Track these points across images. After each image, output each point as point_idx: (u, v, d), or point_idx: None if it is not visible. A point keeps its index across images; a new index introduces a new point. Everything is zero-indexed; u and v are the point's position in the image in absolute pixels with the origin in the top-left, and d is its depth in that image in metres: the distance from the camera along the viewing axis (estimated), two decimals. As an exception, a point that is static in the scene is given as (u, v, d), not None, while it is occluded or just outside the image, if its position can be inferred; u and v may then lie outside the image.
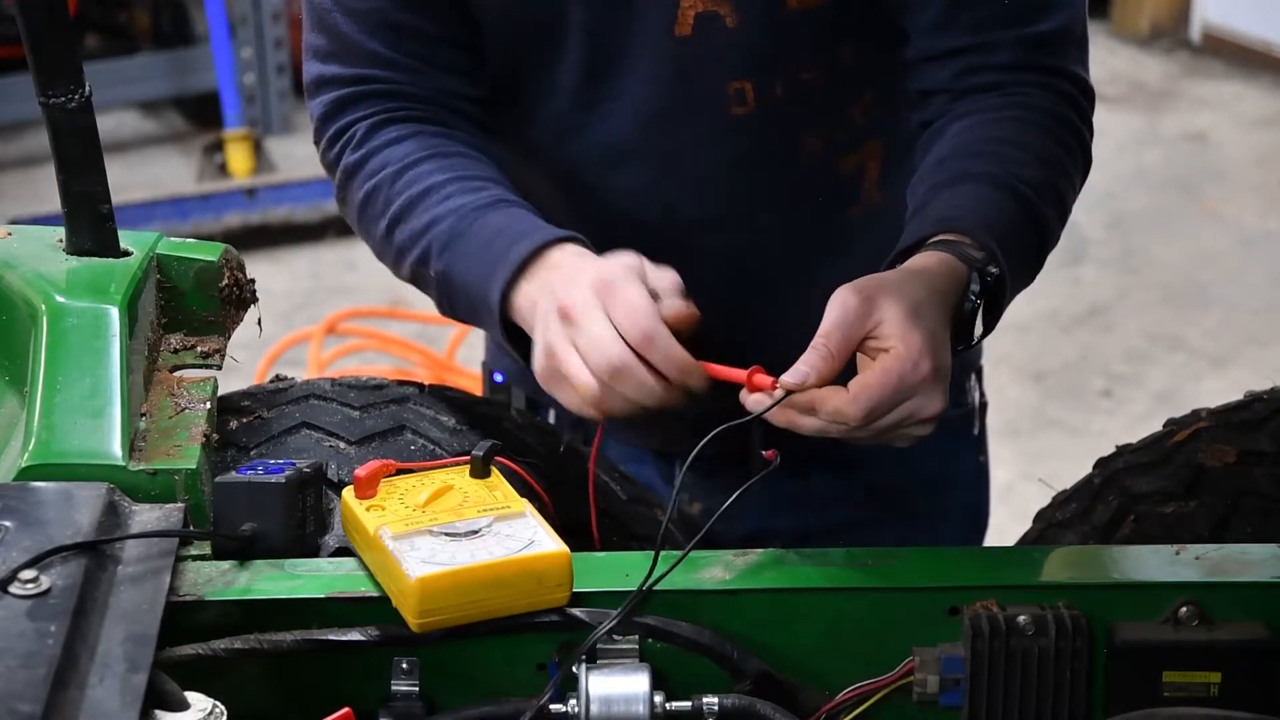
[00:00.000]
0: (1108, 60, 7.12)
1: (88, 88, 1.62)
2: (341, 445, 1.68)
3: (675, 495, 1.58)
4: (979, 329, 1.64)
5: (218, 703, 1.31)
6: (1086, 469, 1.93)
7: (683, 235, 1.92)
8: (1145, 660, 1.47)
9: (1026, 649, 1.45)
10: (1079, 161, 1.78)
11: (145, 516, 1.49)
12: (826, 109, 1.88)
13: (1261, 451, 1.81)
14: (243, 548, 1.49)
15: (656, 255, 1.94)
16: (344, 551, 1.54)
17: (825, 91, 1.86)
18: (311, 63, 1.83)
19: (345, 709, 1.36)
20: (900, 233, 2.00)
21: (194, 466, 1.53)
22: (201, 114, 6.38)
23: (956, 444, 2.16)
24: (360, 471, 1.50)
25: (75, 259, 1.69)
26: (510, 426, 1.82)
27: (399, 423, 1.74)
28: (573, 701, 1.43)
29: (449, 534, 1.44)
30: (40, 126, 1.63)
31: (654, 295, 1.61)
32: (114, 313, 1.61)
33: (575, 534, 1.66)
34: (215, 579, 1.46)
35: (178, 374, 1.70)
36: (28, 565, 1.30)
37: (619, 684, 1.43)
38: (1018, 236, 1.68)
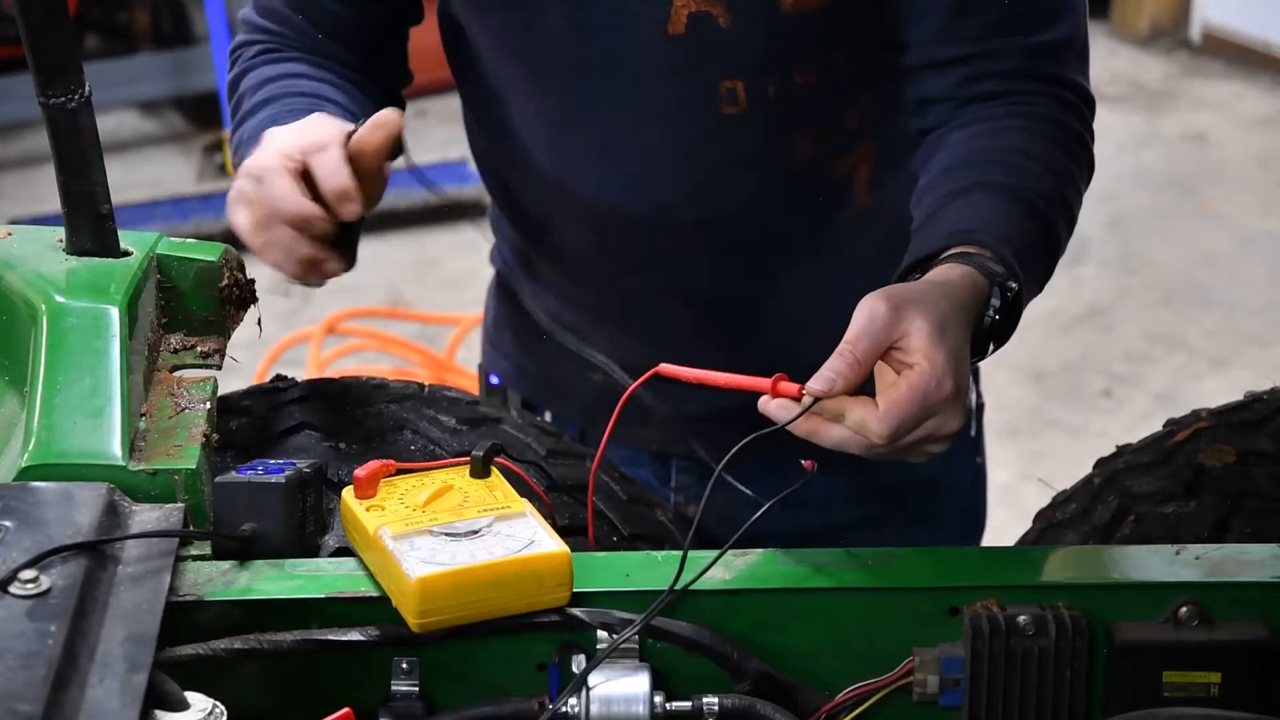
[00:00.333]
0: (1108, 60, 7.13)
1: (88, 88, 1.62)
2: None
3: (706, 495, 1.55)
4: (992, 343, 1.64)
5: (218, 703, 1.31)
6: (1086, 469, 1.93)
7: (673, 233, 1.93)
8: (1145, 660, 1.47)
9: (1026, 649, 1.45)
10: (1084, 170, 1.78)
11: (145, 516, 1.49)
12: (820, 112, 1.88)
13: (1261, 451, 1.81)
14: (243, 548, 1.49)
15: (648, 253, 1.95)
16: (344, 551, 1.54)
17: (819, 94, 1.86)
18: (247, 7, 1.96)
19: (345, 709, 1.36)
20: (892, 236, 2.01)
21: (194, 466, 1.53)
22: (201, 114, 6.39)
23: (954, 445, 2.17)
24: (360, 471, 1.50)
25: (75, 259, 1.69)
26: (510, 426, 1.82)
27: (399, 423, 1.74)
28: (573, 701, 1.43)
29: (449, 534, 1.44)
30: (40, 126, 1.63)
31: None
32: (114, 313, 1.61)
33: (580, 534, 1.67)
34: (215, 579, 1.46)
35: (178, 374, 1.70)
36: (28, 565, 1.30)
37: (619, 684, 1.43)
38: (1032, 249, 1.67)
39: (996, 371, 4.68)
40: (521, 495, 1.52)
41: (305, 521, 1.55)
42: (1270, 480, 1.77)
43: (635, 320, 2.05)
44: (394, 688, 1.46)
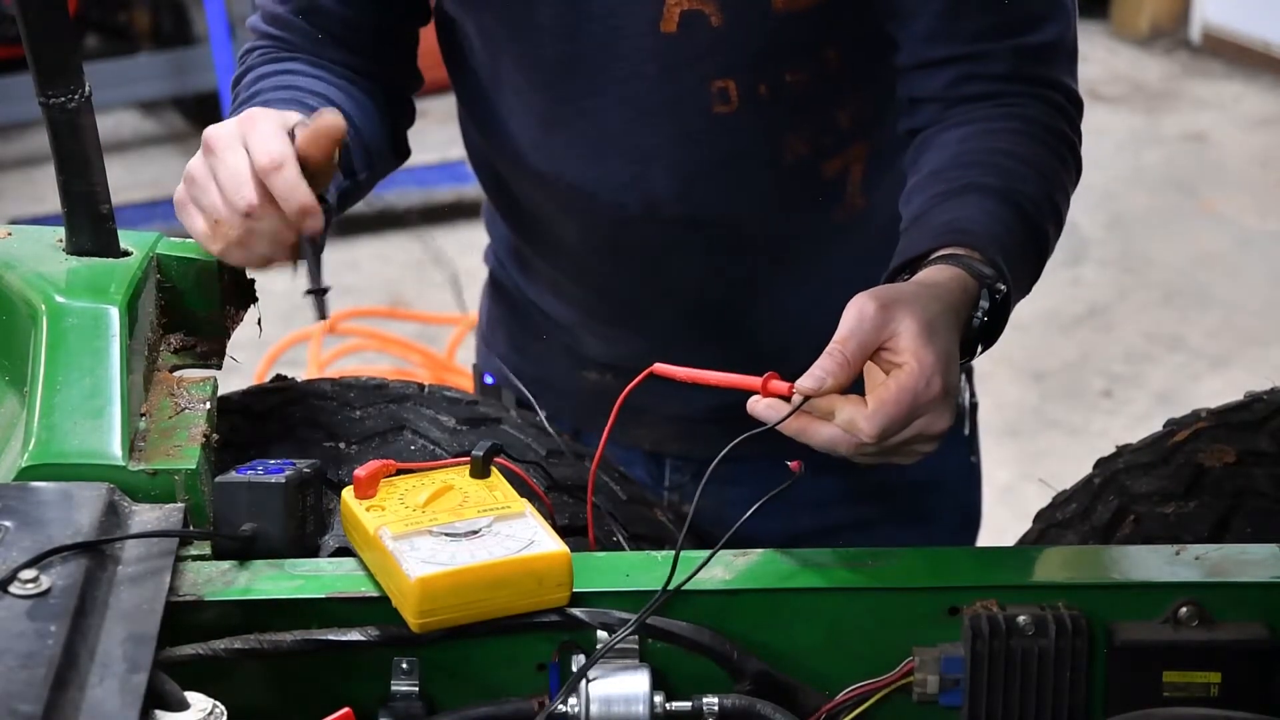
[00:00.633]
0: (1108, 60, 7.13)
1: (88, 88, 1.62)
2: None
3: (697, 496, 1.55)
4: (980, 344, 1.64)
5: (218, 703, 1.31)
6: (1086, 469, 1.93)
7: (664, 231, 1.93)
8: (1145, 660, 1.47)
9: (1026, 649, 1.45)
10: (1072, 173, 1.78)
11: (145, 516, 1.49)
12: (811, 112, 1.88)
13: (1261, 451, 1.81)
14: (243, 548, 1.49)
15: (639, 251, 1.95)
16: (344, 551, 1.54)
17: (810, 94, 1.86)
18: (255, 14, 1.95)
19: (345, 709, 1.36)
20: (883, 237, 2.00)
21: (194, 466, 1.53)
22: (201, 114, 6.38)
23: (946, 444, 2.17)
24: (360, 471, 1.50)
25: (75, 259, 1.69)
26: (510, 426, 1.82)
27: (399, 423, 1.74)
28: (573, 701, 1.43)
29: (449, 534, 1.44)
30: (40, 126, 1.63)
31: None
32: (114, 313, 1.61)
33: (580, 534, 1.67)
34: (215, 579, 1.46)
35: (178, 374, 1.70)
36: (28, 565, 1.30)
37: (619, 684, 1.43)
38: (1020, 251, 1.68)
39: (996, 371, 4.68)
40: (521, 495, 1.52)
41: (305, 521, 1.55)
42: (1270, 480, 1.77)
43: (626, 318, 2.05)
44: (394, 688, 1.46)
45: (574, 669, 1.45)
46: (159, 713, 1.27)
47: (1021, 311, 1.72)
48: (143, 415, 1.61)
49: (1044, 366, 4.87)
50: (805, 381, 1.48)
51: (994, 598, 1.47)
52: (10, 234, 1.74)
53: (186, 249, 1.74)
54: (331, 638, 1.42)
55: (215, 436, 1.61)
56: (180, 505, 1.51)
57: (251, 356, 4.39)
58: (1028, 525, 1.93)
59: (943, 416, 1.50)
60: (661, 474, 2.17)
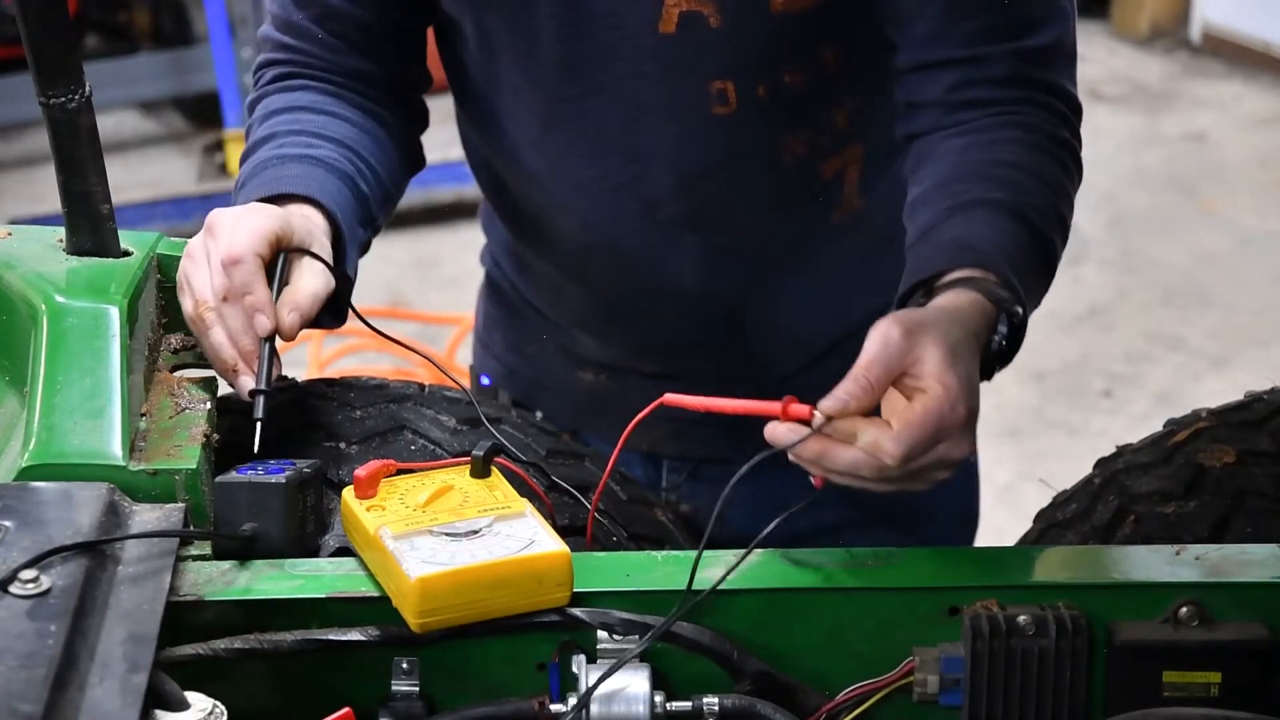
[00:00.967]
0: (1108, 60, 7.13)
1: (88, 88, 1.62)
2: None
3: (723, 499, 1.54)
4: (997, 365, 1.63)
5: (218, 703, 1.31)
6: (1086, 469, 1.93)
7: (662, 232, 1.93)
8: (1145, 660, 1.47)
9: (1026, 649, 1.45)
10: (1075, 181, 1.77)
11: (145, 516, 1.49)
12: (809, 112, 1.88)
13: (1261, 451, 1.81)
14: (243, 548, 1.49)
15: (637, 251, 1.95)
16: (344, 551, 1.54)
17: (808, 95, 1.86)
18: (266, 22, 1.95)
19: (345, 709, 1.36)
20: (881, 238, 2.01)
21: (194, 466, 1.53)
22: (201, 114, 6.39)
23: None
24: (360, 471, 1.50)
25: (75, 259, 1.69)
26: (510, 426, 1.82)
27: (399, 423, 1.74)
28: (573, 701, 1.43)
29: (449, 534, 1.44)
30: (40, 126, 1.63)
31: (288, 275, 1.66)
32: (114, 313, 1.61)
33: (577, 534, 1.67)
34: (215, 579, 1.46)
35: (178, 374, 1.70)
36: (28, 565, 1.30)
37: (619, 684, 1.43)
38: (1032, 268, 1.67)
39: (996, 371, 4.66)
40: (521, 495, 1.52)
41: (305, 521, 1.55)
42: (1270, 480, 1.77)
43: (624, 318, 2.05)
44: (394, 688, 1.46)
45: (574, 669, 1.45)
46: (159, 713, 1.27)
47: (1022, 311, 1.71)
48: (143, 415, 1.61)
49: (1044, 366, 4.87)
50: (828, 403, 1.46)
51: (994, 598, 1.47)
52: (10, 234, 1.74)
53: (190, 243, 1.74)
54: (331, 638, 1.42)
55: (215, 436, 1.61)
56: (180, 505, 1.51)
57: (251, 356, 4.39)
58: (1028, 525, 1.93)
59: (963, 443, 1.49)
60: (659, 474, 2.17)
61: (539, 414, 2.14)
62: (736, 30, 1.80)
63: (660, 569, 1.50)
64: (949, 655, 1.47)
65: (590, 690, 1.41)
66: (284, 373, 1.76)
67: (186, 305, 1.65)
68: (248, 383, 1.61)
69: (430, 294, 5.42)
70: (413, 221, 5.55)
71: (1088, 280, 5.46)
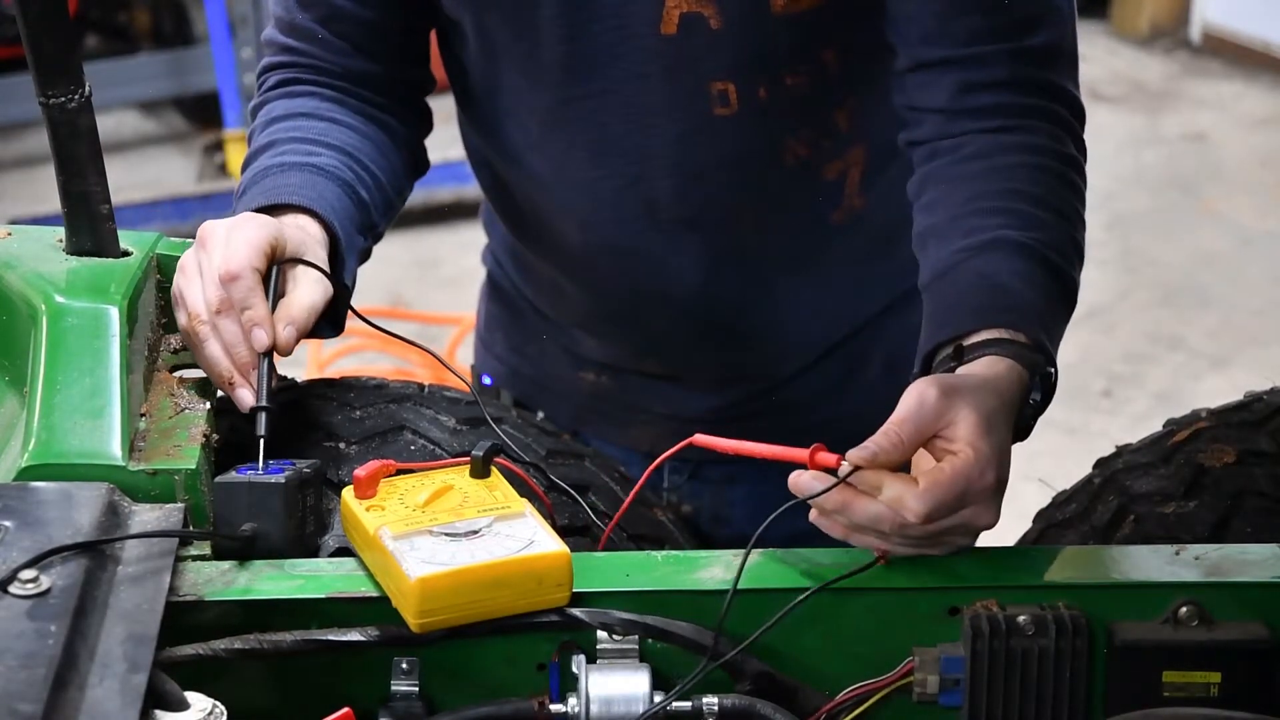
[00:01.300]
0: (1108, 60, 7.13)
1: (88, 88, 1.62)
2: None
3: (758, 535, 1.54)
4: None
5: (218, 703, 1.31)
6: (1086, 469, 1.93)
7: (663, 233, 1.93)
8: (1145, 660, 1.47)
9: (1026, 649, 1.45)
10: (1084, 196, 1.76)
11: (145, 516, 1.49)
12: (810, 115, 1.88)
13: (1261, 451, 1.81)
14: (243, 548, 1.49)
15: (637, 252, 1.95)
16: (344, 551, 1.54)
17: (809, 97, 1.86)
18: (270, 25, 1.95)
19: (345, 709, 1.36)
20: (880, 238, 2.01)
21: (194, 466, 1.53)
22: (201, 114, 6.39)
23: None
24: (360, 471, 1.50)
25: (75, 259, 1.69)
26: (511, 426, 1.82)
27: (399, 423, 1.74)
28: (573, 701, 1.43)
29: (449, 534, 1.44)
30: (40, 126, 1.63)
31: (283, 286, 1.66)
32: (114, 313, 1.61)
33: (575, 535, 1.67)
34: (215, 579, 1.46)
35: (178, 374, 1.70)
36: (28, 565, 1.30)
37: (619, 684, 1.43)
38: (1058, 314, 1.67)
39: (996, 371, 4.66)
40: (521, 495, 1.52)
41: (305, 521, 1.55)
42: (1270, 480, 1.77)
43: (625, 318, 2.05)
44: (394, 688, 1.46)
45: (574, 669, 1.45)
46: (159, 713, 1.27)
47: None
48: (143, 415, 1.61)
49: (1044, 366, 4.86)
50: (856, 453, 1.45)
51: (994, 598, 1.47)
52: (10, 234, 1.74)
53: (186, 249, 1.74)
54: (331, 638, 1.42)
55: (215, 436, 1.61)
56: (180, 505, 1.51)
57: (251, 356, 4.38)
58: (1028, 525, 1.93)
59: (989, 511, 1.49)
60: (659, 475, 2.16)
61: (540, 414, 2.14)
62: (737, 31, 1.80)
63: (660, 569, 1.50)
64: (949, 655, 1.47)
65: (676, 694, 1.41)
66: (282, 374, 1.76)
67: (180, 319, 1.65)
68: (245, 395, 1.61)
69: (430, 294, 5.41)
70: (413, 221, 5.55)
71: (1087, 280, 5.41)
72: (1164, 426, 1.93)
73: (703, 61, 1.82)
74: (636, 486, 1.64)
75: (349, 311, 1.76)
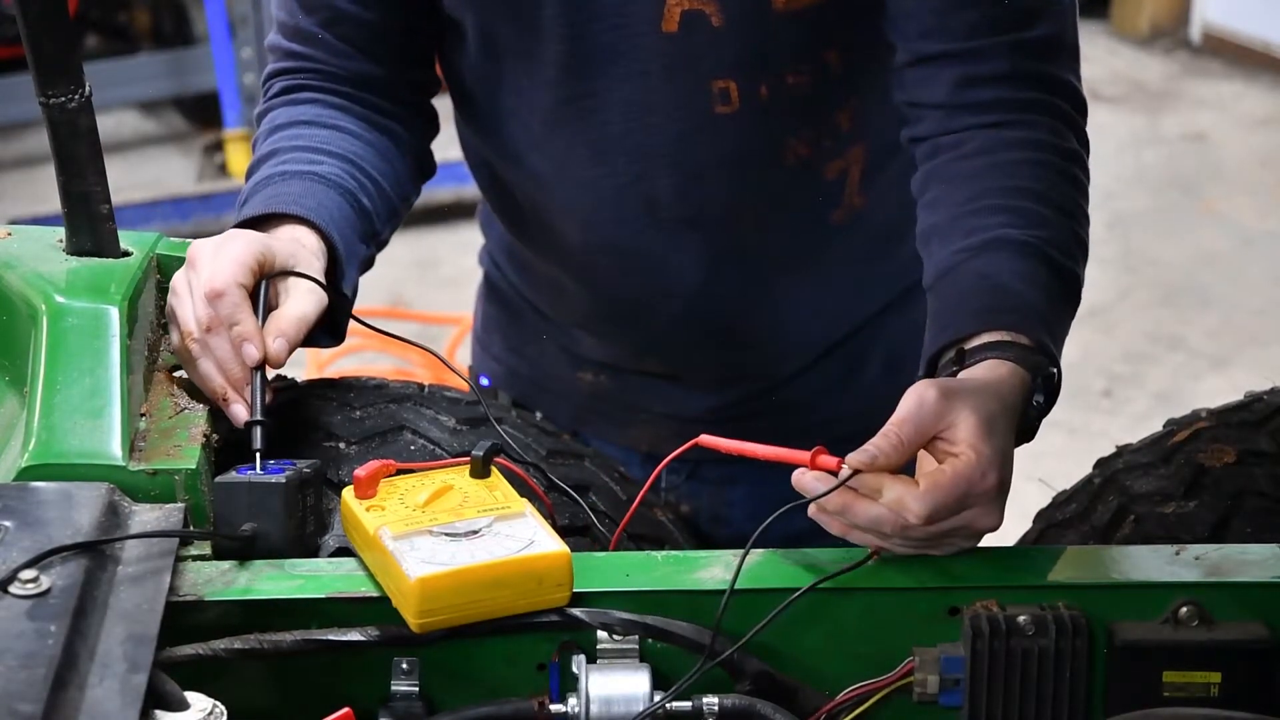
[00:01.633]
0: (1108, 60, 7.13)
1: (88, 88, 1.62)
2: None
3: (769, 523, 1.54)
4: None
5: (218, 703, 1.31)
6: (1086, 469, 1.93)
7: (664, 231, 1.93)
8: (1145, 660, 1.47)
9: (1026, 649, 1.45)
10: (1086, 191, 1.75)
11: (145, 516, 1.49)
12: (812, 114, 1.88)
13: (1261, 451, 1.81)
14: (243, 548, 1.49)
15: (638, 251, 1.95)
16: (344, 551, 1.54)
17: (811, 96, 1.86)
18: (273, 30, 1.95)
19: (345, 709, 1.36)
20: (880, 236, 2.01)
21: (194, 466, 1.53)
22: (201, 114, 6.38)
23: None
24: (360, 471, 1.50)
25: (75, 259, 1.69)
26: (511, 426, 1.82)
27: (399, 423, 1.74)
28: (573, 701, 1.43)
29: (449, 534, 1.44)
30: (40, 126, 1.63)
31: (276, 299, 1.66)
32: (114, 313, 1.61)
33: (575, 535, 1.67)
34: (215, 579, 1.46)
35: (178, 374, 1.70)
36: (28, 565, 1.30)
37: (619, 684, 1.43)
38: (1061, 312, 1.67)
39: (996, 371, 4.66)
40: (521, 495, 1.52)
41: (305, 521, 1.55)
42: (1270, 480, 1.77)
43: (625, 317, 2.05)
44: (394, 688, 1.46)
45: (574, 669, 1.45)
46: (159, 713, 1.27)
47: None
48: (143, 415, 1.61)
49: (1044, 366, 4.86)
50: (856, 456, 1.46)
51: (994, 598, 1.47)
52: (10, 234, 1.74)
53: (186, 249, 1.74)
54: (331, 638, 1.42)
55: (215, 436, 1.61)
56: (180, 505, 1.51)
57: (251, 356, 4.38)
58: (1028, 525, 1.93)
59: (991, 514, 1.49)
60: (658, 475, 2.16)
61: (538, 414, 2.14)
62: (738, 29, 1.80)
63: (660, 569, 1.50)
64: (949, 655, 1.47)
65: (675, 690, 1.41)
66: (282, 374, 1.76)
67: (174, 338, 1.66)
68: (239, 411, 1.61)
69: (430, 294, 5.41)
70: (413, 221, 5.54)
71: (1088, 280, 5.44)
72: (1164, 426, 1.93)
73: (704, 60, 1.82)
74: (644, 489, 1.64)
75: (350, 317, 1.76)
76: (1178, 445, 1.85)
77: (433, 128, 1.98)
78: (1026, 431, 1.59)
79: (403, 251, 5.53)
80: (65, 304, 1.62)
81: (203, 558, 1.49)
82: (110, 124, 6.36)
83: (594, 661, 1.45)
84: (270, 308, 1.65)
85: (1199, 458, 1.81)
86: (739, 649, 1.45)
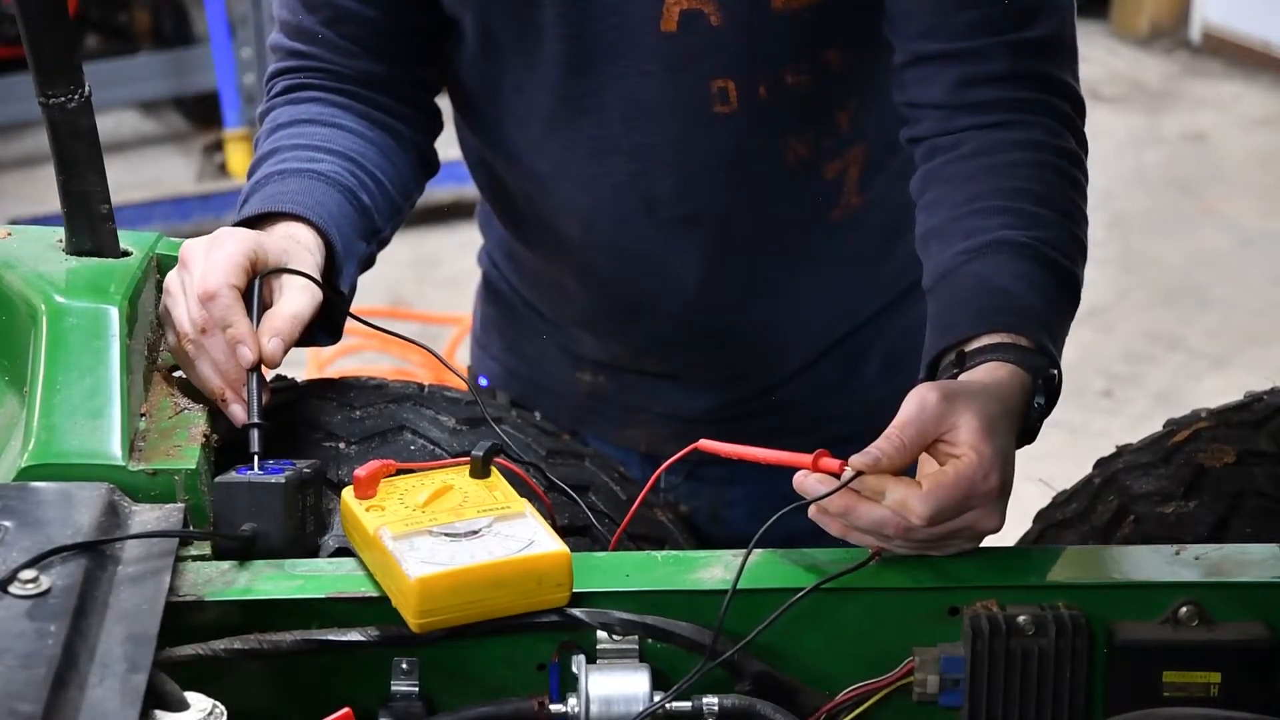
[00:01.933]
0: (1108, 60, 7.13)
1: (88, 88, 1.62)
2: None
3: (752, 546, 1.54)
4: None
5: (218, 703, 1.31)
6: (1086, 469, 1.93)
7: (663, 231, 1.93)
8: (1145, 660, 1.47)
9: (1026, 649, 1.45)
10: (1085, 191, 1.75)
11: (145, 516, 1.49)
12: (811, 114, 1.88)
13: (1261, 451, 1.81)
14: (243, 548, 1.49)
15: (636, 250, 1.95)
16: (344, 551, 1.54)
17: (810, 95, 1.86)
18: (275, 29, 1.95)
19: (345, 709, 1.36)
20: (879, 234, 2.01)
21: (194, 466, 1.53)
22: (201, 114, 6.38)
23: None
24: (360, 471, 1.50)
25: (75, 259, 1.69)
26: (510, 426, 1.82)
27: (399, 423, 1.74)
28: (573, 701, 1.43)
29: (449, 534, 1.44)
30: (40, 126, 1.63)
31: (271, 297, 1.66)
32: (114, 313, 1.61)
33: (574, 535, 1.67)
34: (215, 579, 1.46)
35: (177, 374, 1.70)
36: (28, 565, 1.30)
37: (619, 684, 1.43)
38: (1061, 312, 1.67)
39: (996, 371, 4.66)
40: (521, 495, 1.52)
41: (305, 521, 1.55)
42: (1270, 480, 1.77)
43: (625, 317, 2.05)
44: (394, 688, 1.46)
45: (574, 669, 1.45)
46: (159, 713, 1.27)
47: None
48: (143, 415, 1.61)
49: (1044, 366, 4.86)
50: (859, 458, 1.46)
51: (994, 598, 1.47)
52: (10, 234, 1.74)
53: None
54: (331, 638, 1.42)
55: (215, 436, 1.61)
56: (180, 505, 1.51)
57: (251, 356, 4.38)
58: (1028, 525, 1.93)
59: (993, 515, 1.49)
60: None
61: (537, 415, 2.14)
62: (737, 29, 1.80)
63: (660, 569, 1.50)
64: (949, 655, 1.47)
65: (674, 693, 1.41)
66: (282, 374, 1.76)
67: (169, 338, 1.66)
68: (238, 411, 1.61)
69: (430, 294, 5.41)
70: (413, 221, 5.50)
71: (1087, 280, 5.41)
72: (1164, 426, 1.93)
73: (703, 59, 1.82)
74: (644, 491, 1.64)
75: (348, 313, 1.76)
76: (1178, 445, 1.85)
77: (436, 125, 1.98)
78: (1027, 433, 1.59)
79: (403, 251, 5.53)
80: (65, 304, 1.62)
81: (203, 558, 1.49)
82: (110, 124, 6.36)
83: (594, 661, 1.45)
84: (265, 306, 1.65)
85: (1199, 458, 1.81)
86: (740, 649, 1.45)
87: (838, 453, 1.48)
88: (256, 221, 1.73)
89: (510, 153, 1.96)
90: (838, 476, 1.46)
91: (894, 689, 1.48)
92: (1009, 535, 2.11)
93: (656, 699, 1.43)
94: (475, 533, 1.44)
